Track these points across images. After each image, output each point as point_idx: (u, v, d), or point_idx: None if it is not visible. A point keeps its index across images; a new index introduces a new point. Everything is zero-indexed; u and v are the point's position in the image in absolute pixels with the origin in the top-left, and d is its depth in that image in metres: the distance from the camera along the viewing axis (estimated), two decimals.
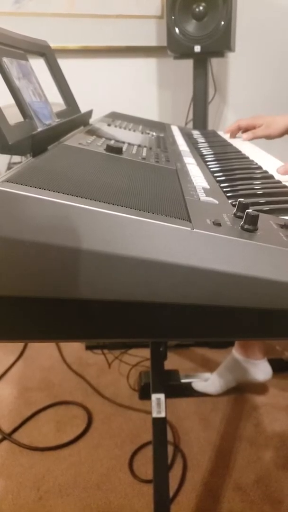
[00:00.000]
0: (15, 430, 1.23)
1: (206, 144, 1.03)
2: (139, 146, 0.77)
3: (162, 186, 0.51)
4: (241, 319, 0.39)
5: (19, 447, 1.17)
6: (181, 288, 0.37)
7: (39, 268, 0.37)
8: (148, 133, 0.99)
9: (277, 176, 0.70)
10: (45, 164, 0.48)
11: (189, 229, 0.37)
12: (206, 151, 0.93)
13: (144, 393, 1.33)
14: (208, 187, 0.58)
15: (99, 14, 1.74)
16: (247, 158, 0.87)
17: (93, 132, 0.82)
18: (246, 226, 0.39)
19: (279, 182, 0.67)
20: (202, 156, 0.88)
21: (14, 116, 0.60)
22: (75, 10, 1.73)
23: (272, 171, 0.73)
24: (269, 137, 1.08)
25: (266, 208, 0.53)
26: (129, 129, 0.99)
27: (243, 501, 1.02)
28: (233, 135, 1.17)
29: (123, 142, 0.77)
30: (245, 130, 1.16)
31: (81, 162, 0.54)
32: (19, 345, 1.61)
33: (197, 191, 0.53)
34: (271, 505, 1.01)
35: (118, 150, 0.65)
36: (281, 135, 1.09)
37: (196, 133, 1.25)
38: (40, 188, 0.37)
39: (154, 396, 0.97)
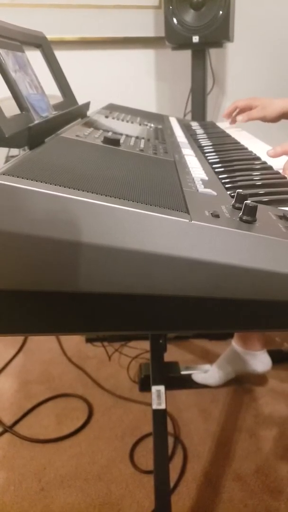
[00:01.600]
0: (16, 422, 1.24)
1: (204, 136, 1.02)
2: (137, 138, 0.77)
3: (160, 178, 0.50)
4: (240, 311, 0.39)
5: (20, 440, 1.18)
6: (180, 280, 0.37)
7: (37, 261, 0.37)
8: (146, 125, 0.98)
9: (276, 167, 0.70)
10: (42, 156, 0.48)
11: (187, 221, 0.37)
12: (204, 142, 0.93)
13: (144, 385, 1.34)
14: (206, 178, 0.58)
15: (96, 4, 1.72)
16: (246, 149, 0.86)
17: (90, 124, 0.82)
18: (244, 218, 0.39)
19: (278, 173, 0.66)
20: (200, 147, 0.88)
21: (10, 109, 0.60)
22: (71, 1, 1.71)
23: (271, 162, 0.73)
24: (264, 118, 1.06)
25: (265, 199, 0.53)
26: (127, 121, 0.98)
27: (243, 491, 1.02)
28: (230, 115, 1.16)
29: (121, 134, 0.76)
30: (242, 111, 1.15)
31: (79, 154, 0.54)
32: (19, 338, 1.61)
33: (195, 183, 0.53)
34: (271, 494, 1.02)
35: (116, 142, 0.64)
36: (276, 117, 1.06)
37: (194, 125, 1.24)
38: (37, 181, 0.37)
39: (154, 388, 0.97)
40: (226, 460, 1.11)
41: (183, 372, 1.38)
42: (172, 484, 1.03)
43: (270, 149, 0.73)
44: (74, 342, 1.60)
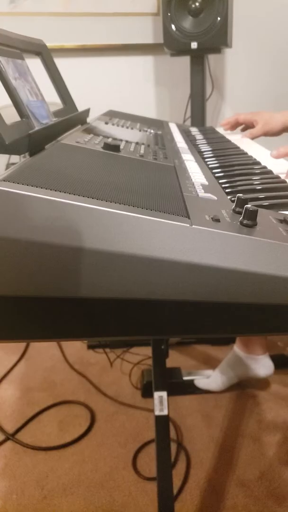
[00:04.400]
0: (18, 430, 1.23)
1: (204, 141, 1.03)
2: (137, 143, 0.77)
3: (160, 183, 0.51)
4: (241, 315, 0.39)
5: (22, 447, 1.18)
6: (180, 285, 0.37)
7: (37, 267, 0.37)
8: (146, 131, 0.99)
9: (276, 171, 0.70)
10: (42, 163, 0.48)
11: (188, 225, 0.37)
12: (204, 147, 0.93)
13: (147, 391, 1.33)
14: (206, 183, 0.58)
15: (95, 12, 1.74)
16: (246, 153, 0.86)
17: (90, 130, 0.82)
18: (245, 222, 0.39)
19: (278, 177, 0.66)
20: (200, 152, 0.88)
21: (11, 116, 0.60)
22: (71, 9, 1.72)
23: (270, 166, 0.73)
24: (267, 134, 1.09)
25: (265, 203, 0.53)
26: (127, 127, 0.98)
27: (247, 497, 1.02)
28: (229, 126, 1.17)
29: (121, 140, 0.77)
30: (243, 125, 1.16)
31: (79, 160, 0.54)
32: (21, 345, 1.61)
33: (195, 188, 0.53)
34: (275, 500, 1.01)
35: (116, 148, 0.65)
36: (279, 132, 1.09)
37: (194, 130, 1.25)
38: (37, 187, 0.37)
39: (157, 394, 0.97)
40: (229, 466, 1.10)
41: (185, 378, 1.38)
42: (175, 491, 1.03)
43: (273, 151, 0.73)
44: (75, 348, 1.60)
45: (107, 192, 0.41)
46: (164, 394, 0.96)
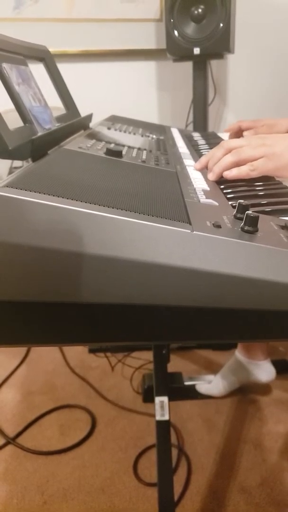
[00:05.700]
0: (19, 434, 1.23)
1: (206, 146, 1.03)
2: (139, 149, 0.77)
3: (162, 189, 0.51)
4: (242, 321, 0.39)
5: (23, 451, 1.17)
6: (181, 291, 0.37)
7: (39, 272, 0.37)
8: (148, 136, 0.99)
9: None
10: (44, 168, 0.49)
11: (189, 231, 0.37)
12: (206, 153, 0.93)
13: (148, 396, 1.33)
14: (208, 189, 0.58)
15: (98, 18, 1.75)
16: None
17: (93, 135, 0.82)
18: (246, 228, 0.39)
19: (280, 183, 0.66)
20: None
21: (14, 121, 0.61)
22: (74, 15, 1.73)
23: None
24: None
25: (267, 209, 0.53)
26: (129, 132, 0.99)
27: (248, 504, 1.01)
28: (233, 135, 1.17)
29: (123, 146, 0.77)
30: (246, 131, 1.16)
31: (81, 166, 0.54)
32: (22, 349, 1.61)
33: (197, 193, 0.53)
34: (277, 507, 1.00)
35: (118, 154, 0.65)
36: None
37: (196, 135, 1.25)
38: (39, 193, 0.37)
39: (158, 399, 0.96)
40: (230, 472, 1.09)
41: (186, 383, 1.38)
42: (176, 497, 1.02)
43: (228, 173, 0.63)
44: (77, 352, 1.60)
45: (109, 198, 0.41)
46: (165, 399, 0.96)
